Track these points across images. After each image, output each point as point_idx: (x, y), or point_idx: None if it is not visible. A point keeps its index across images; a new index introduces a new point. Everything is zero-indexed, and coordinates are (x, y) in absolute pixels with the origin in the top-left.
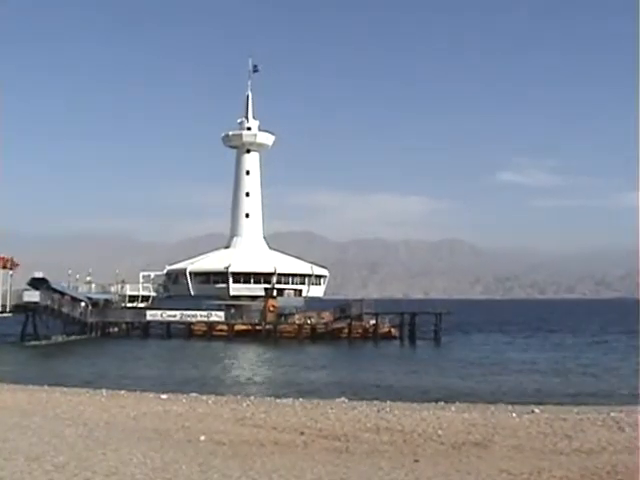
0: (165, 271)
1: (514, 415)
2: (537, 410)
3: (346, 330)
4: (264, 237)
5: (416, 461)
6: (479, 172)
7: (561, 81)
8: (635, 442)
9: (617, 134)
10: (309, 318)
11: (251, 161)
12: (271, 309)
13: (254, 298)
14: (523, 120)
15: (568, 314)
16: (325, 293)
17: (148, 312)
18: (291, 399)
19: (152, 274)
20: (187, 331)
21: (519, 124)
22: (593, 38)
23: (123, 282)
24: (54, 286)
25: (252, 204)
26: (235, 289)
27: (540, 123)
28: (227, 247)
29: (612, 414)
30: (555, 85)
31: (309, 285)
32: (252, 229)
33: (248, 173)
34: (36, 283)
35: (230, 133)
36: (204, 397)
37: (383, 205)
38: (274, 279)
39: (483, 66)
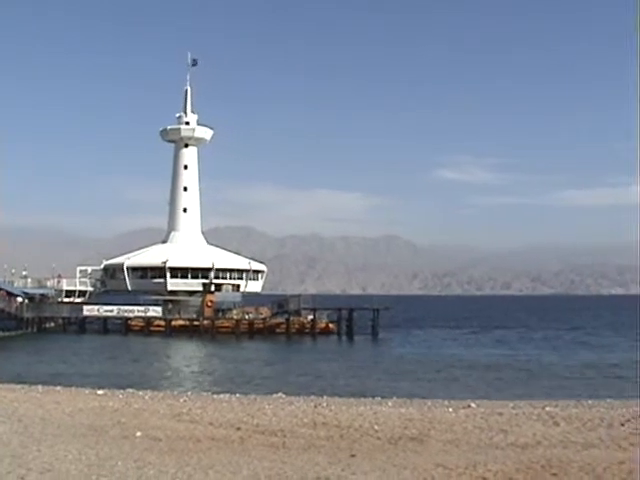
0: (102, 266)
1: (450, 410)
2: (473, 405)
3: (284, 325)
4: (202, 232)
5: (352, 456)
6: (417, 169)
7: (503, 79)
8: (569, 436)
9: (554, 133)
10: (247, 313)
11: (189, 155)
12: (209, 304)
13: (192, 293)
14: (462, 118)
15: (506, 310)
16: (263, 288)
17: (85, 307)
18: (228, 394)
19: (89, 269)
20: (124, 326)
21: (458, 122)
22: (535, 32)
23: (60, 277)
24: None
25: (190, 199)
26: (173, 284)
27: (478, 121)
28: (165, 242)
29: (547, 408)
30: (496, 83)
31: (247, 280)
32: (190, 224)
33: (186, 168)
34: None
35: (168, 127)
36: (140, 393)
37: (321, 201)
38: (212, 274)
39: (422, 63)
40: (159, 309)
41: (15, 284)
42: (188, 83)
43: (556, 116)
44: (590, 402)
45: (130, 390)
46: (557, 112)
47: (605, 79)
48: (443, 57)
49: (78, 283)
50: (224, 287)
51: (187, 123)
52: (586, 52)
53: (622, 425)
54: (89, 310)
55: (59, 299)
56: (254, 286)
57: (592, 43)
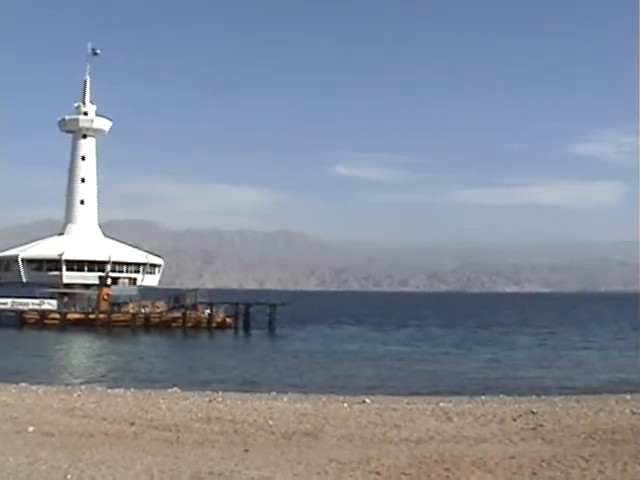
0: None
1: (345, 405)
2: (368, 400)
3: (180, 320)
4: (99, 225)
5: (246, 451)
6: (316, 165)
7: (404, 76)
8: (462, 431)
9: (451, 132)
10: (143, 307)
11: (87, 146)
12: (105, 298)
13: (88, 286)
14: (361, 115)
15: (405, 307)
16: (160, 282)
17: None
18: (122, 389)
19: None
20: (18, 320)
21: (358, 119)
22: (439, 30)
23: None
24: None
25: (87, 191)
26: (69, 277)
27: (379, 119)
28: (61, 234)
29: (441, 404)
30: (395, 81)
31: (144, 274)
32: (87, 216)
33: (84, 159)
34: None
35: (66, 117)
36: (34, 387)
37: (219, 195)
38: (108, 267)
39: (323, 58)
40: (54, 302)
41: None
42: (87, 73)
43: (453, 116)
44: (483, 398)
45: (23, 384)
46: (454, 112)
47: (503, 80)
48: (345, 52)
49: None
50: (120, 280)
51: (86, 113)
52: (486, 51)
53: (514, 420)
54: None
55: None
56: (151, 280)
57: (495, 42)
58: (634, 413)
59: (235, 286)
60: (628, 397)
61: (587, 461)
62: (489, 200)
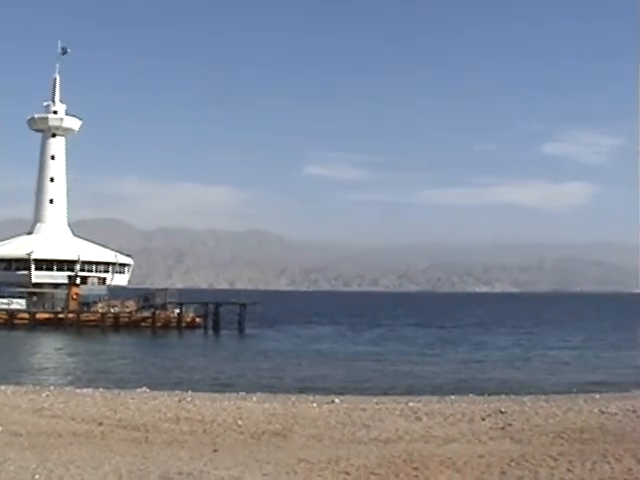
0: None
1: (314, 405)
2: (337, 400)
3: (150, 319)
4: (69, 224)
5: (215, 451)
6: (287, 164)
7: (373, 77)
8: (431, 431)
9: (421, 132)
10: (113, 307)
11: (57, 146)
12: (74, 297)
13: (57, 286)
14: (332, 115)
15: (375, 307)
16: (130, 282)
17: None
18: (91, 389)
19: None
20: None
21: (328, 118)
22: (401, 31)
23: None
24: None
25: (57, 190)
26: (37, 276)
27: (349, 118)
28: (30, 233)
29: (410, 404)
30: (362, 79)
31: (113, 273)
32: (56, 215)
33: (53, 158)
34: None
35: (36, 116)
36: (2, 387)
37: (190, 194)
38: (78, 267)
39: (293, 59)
40: (23, 302)
41: None
42: (57, 72)
43: (423, 115)
44: (453, 397)
45: None
46: (424, 112)
47: (476, 80)
48: (323, 50)
49: None
50: (90, 280)
51: (55, 112)
52: (458, 52)
53: (483, 420)
54: None
55: None
56: (120, 279)
57: (466, 45)
58: (603, 412)
59: (205, 286)
60: (597, 396)
61: (555, 460)
62: (459, 200)
